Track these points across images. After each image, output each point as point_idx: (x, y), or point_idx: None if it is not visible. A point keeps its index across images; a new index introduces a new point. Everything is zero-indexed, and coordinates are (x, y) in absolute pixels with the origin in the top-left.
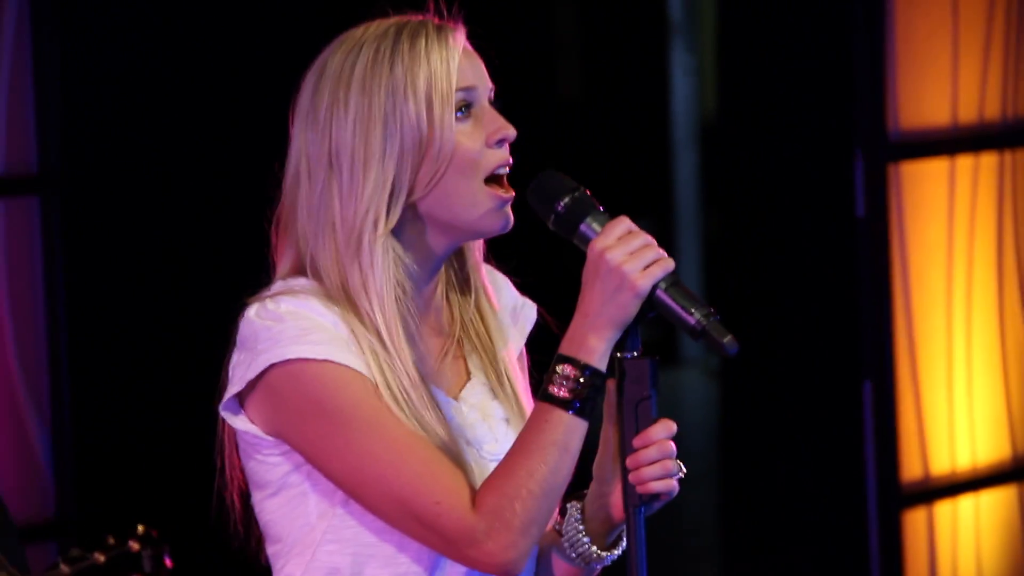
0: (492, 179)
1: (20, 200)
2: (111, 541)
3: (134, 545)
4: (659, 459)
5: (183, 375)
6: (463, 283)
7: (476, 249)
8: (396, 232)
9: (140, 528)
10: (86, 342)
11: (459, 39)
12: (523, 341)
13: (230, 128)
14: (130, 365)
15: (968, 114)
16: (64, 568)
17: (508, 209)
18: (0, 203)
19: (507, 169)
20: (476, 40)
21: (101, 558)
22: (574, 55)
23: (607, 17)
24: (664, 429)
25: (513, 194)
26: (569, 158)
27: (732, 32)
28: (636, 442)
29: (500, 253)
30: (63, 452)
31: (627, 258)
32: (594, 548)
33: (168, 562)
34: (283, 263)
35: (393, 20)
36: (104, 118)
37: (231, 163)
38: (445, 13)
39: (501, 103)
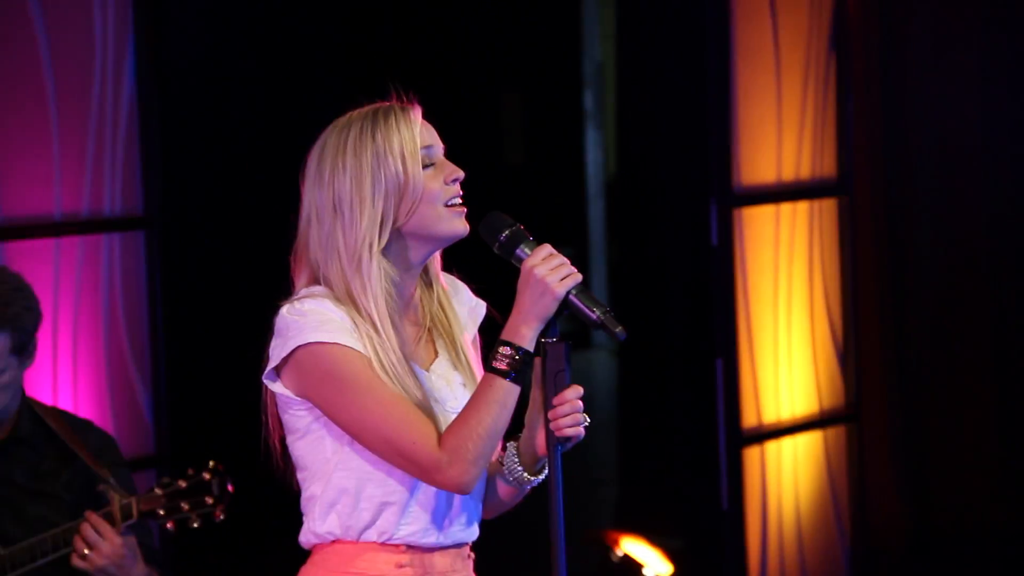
0: (449, 204)
1: (130, 234)
2: (190, 472)
3: (206, 475)
4: (571, 412)
5: (242, 357)
6: (428, 287)
7: (436, 263)
8: (385, 251)
9: (211, 463)
10: (176, 333)
11: (418, 114)
12: (476, 328)
13: (285, 190)
14: (205, 349)
15: (789, 173)
16: (158, 491)
17: (464, 218)
18: (117, 236)
19: (459, 199)
20: (429, 114)
21: (183, 484)
22: (517, 134)
23: (540, 107)
24: (575, 392)
25: (465, 209)
26: (514, 206)
27: (627, 117)
28: (555, 401)
29: (463, 270)
30: (160, 409)
31: (548, 272)
32: (525, 474)
33: (230, 488)
34: (300, 280)
35: (368, 107)
36: (195, 169)
37: (278, 207)
38: (405, 99)
39: (465, 168)
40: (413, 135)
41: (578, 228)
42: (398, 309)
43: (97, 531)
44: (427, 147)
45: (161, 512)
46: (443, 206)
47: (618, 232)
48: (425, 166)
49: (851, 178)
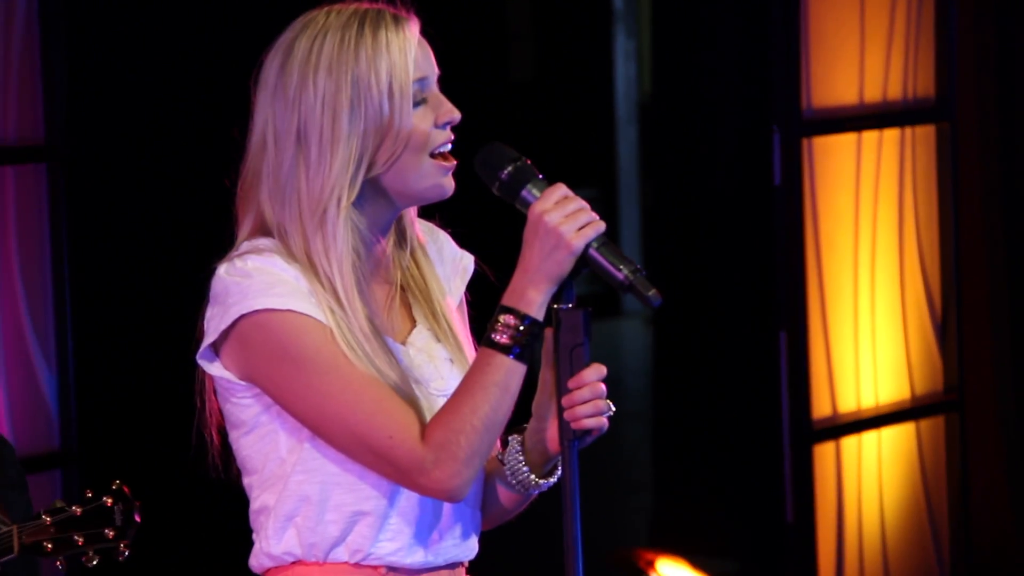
0: (436, 153)
1: (28, 167)
2: (88, 495)
3: (107, 500)
4: (591, 399)
5: (171, 327)
6: (400, 236)
7: (412, 210)
8: (354, 203)
9: (114, 484)
10: (87, 296)
11: (415, 30)
12: (463, 287)
13: (223, 103)
14: (125, 317)
15: (873, 94)
16: (46, 519)
17: (451, 176)
18: (11, 170)
19: (450, 146)
20: (427, 27)
21: (78, 511)
22: (526, 41)
23: (556, 7)
24: (595, 372)
25: (455, 163)
26: (522, 135)
27: (667, 21)
28: (571, 384)
29: (451, 216)
30: (66, 393)
31: (563, 220)
32: (532, 476)
33: (137, 518)
34: (246, 223)
35: (352, 7)
36: (105, 92)
37: (218, 135)
38: (398, 1)
39: (459, 85)
40: (406, 61)
41: (603, 163)
42: (367, 273)
43: None
44: (421, 79)
45: (49, 546)
46: (428, 156)
47: (653, 169)
48: (416, 103)
49: (954, 99)
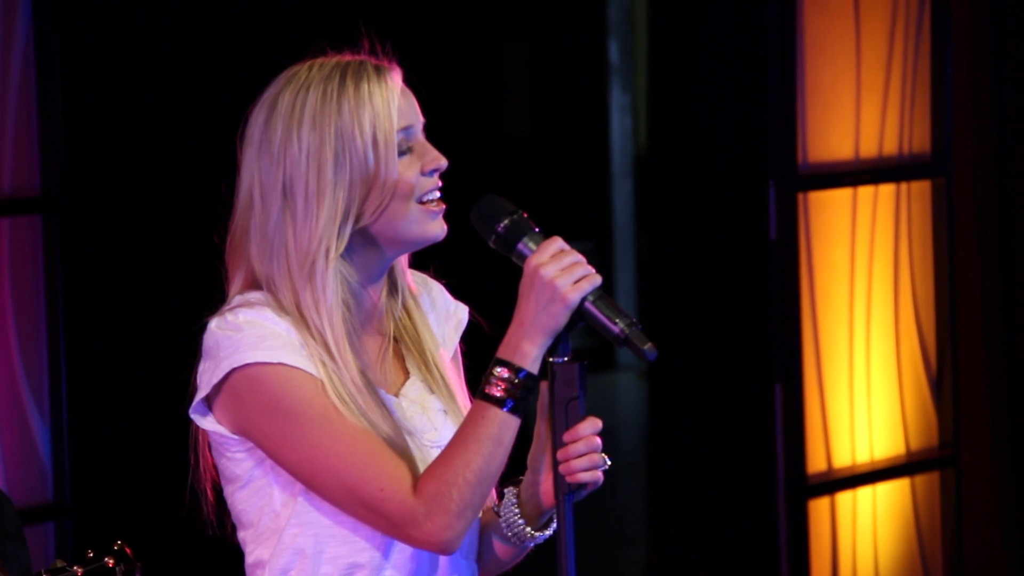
0: (424, 200)
1: (24, 219)
2: (90, 555)
3: (109, 561)
4: (586, 452)
5: (165, 379)
6: (392, 287)
7: (403, 260)
8: (343, 254)
9: (116, 544)
10: (82, 348)
11: (397, 80)
12: (458, 338)
13: (217, 156)
14: (120, 369)
15: (869, 149)
16: None
17: (441, 219)
18: (6, 221)
19: (439, 193)
20: (412, 77)
21: (79, 572)
22: (523, 94)
23: (553, 61)
24: (591, 426)
25: (444, 207)
26: (518, 187)
27: (662, 75)
28: (566, 437)
29: (446, 268)
30: (60, 445)
31: (559, 273)
32: (528, 529)
33: None
34: (236, 278)
35: (334, 60)
36: (101, 145)
37: (212, 189)
38: (379, 51)
39: (456, 137)
40: (389, 111)
41: (599, 216)
42: (359, 325)
43: None
44: (406, 128)
45: None
46: (416, 203)
47: (649, 222)
48: (401, 153)
49: (949, 155)
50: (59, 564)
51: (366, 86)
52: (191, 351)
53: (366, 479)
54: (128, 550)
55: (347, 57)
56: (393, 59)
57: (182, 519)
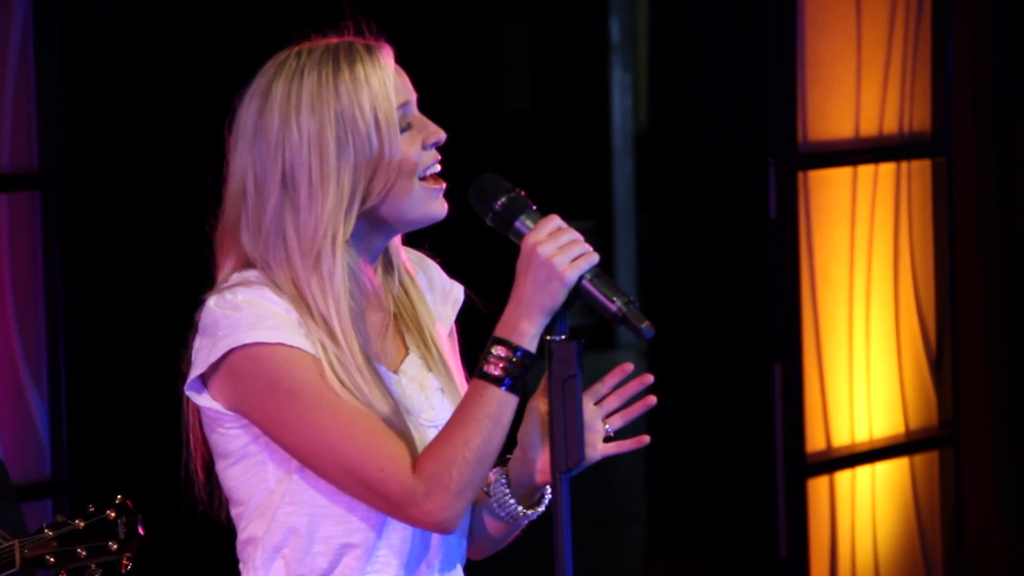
0: (426, 175)
1: (22, 195)
2: (91, 509)
3: (111, 513)
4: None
5: (162, 356)
6: (387, 264)
7: (397, 237)
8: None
9: (117, 498)
10: (80, 324)
11: (389, 58)
12: (454, 316)
13: (217, 133)
14: (117, 346)
15: (869, 128)
16: (48, 533)
17: (442, 198)
18: (5, 197)
19: (439, 167)
20: (400, 53)
21: (81, 524)
22: (523, 72)
23: (553, 39)
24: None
25: (445, 184)
26: (519, 166)
27: (663, 54)
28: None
29: (442, 246)
30: (58, 422)
31: (556, 252)
32: (520, 508)
33: (141, 530)
34: (227, 265)
35: (322, 44)
36: (100, 120)
37: (210, 166)
38: (365, 31)
39: (456, 115)
40: (387, 90)
41: (599, 195)
42: (362, 304)
43: None
44: (403, 105)
45: (51, 559)
46: (418, 180)
47: (649, 201)
48: (401, 130)
49: (950, 134)
50: (60, 519)
51: (361, 67)
52: (188, 328)
53: (366, 459)
54: (129, 503)
55: (334, 40)
56: (380, 37)
57: (177, 495)
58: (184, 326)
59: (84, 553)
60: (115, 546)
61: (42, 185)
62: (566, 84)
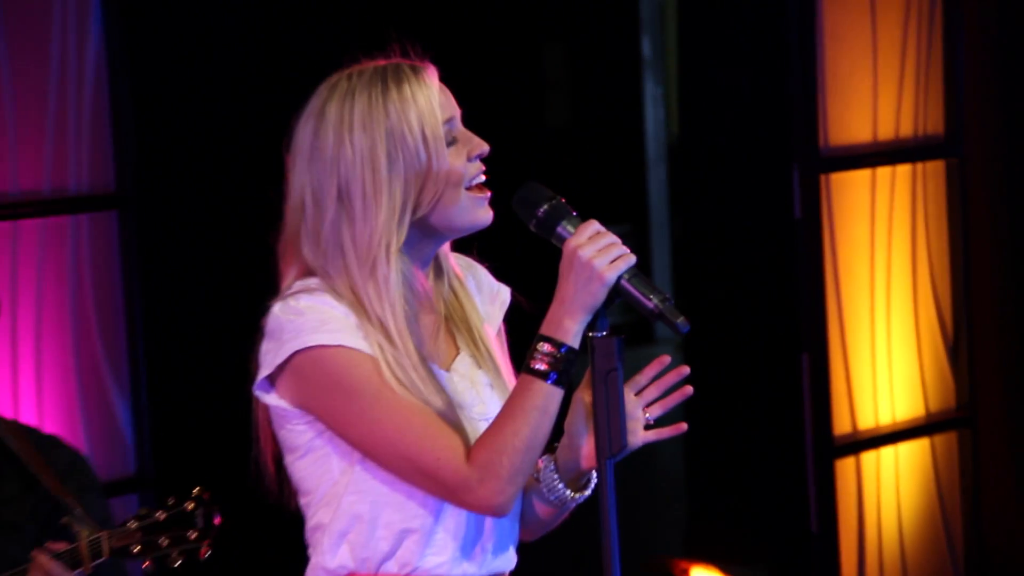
0: (472, 185)
1: (101, 214)
2: (171, 501)
3: (189, 505)
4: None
5: (233, 359)
6: (438, 269)
7: (446, 243)
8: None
9: (195, 490)
10: (158, 331)
11: (433, 76)
12: (501, 317)
13: (276, 149)
14: (192, 350)
15: (886, 132)
16: (133, 524)
17: (488, 206)
18: (85, 217)
19: (484, 177)
20: (452, 68)
21: (162, 516)
22: (562, 89)
23: (588, 57)
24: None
25: (490, 193)
26: (558, 175)
27: (692, 68)
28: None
29: (489, 251)
30: (140, 422)
31: (596, 254)
32: (568, 491)
33: (217, 520)
34: (289, 275)
35: (371, 67)
36: (170, 143)
37: (277, 181)
38: (410, 52)
39: (500, 130)
40: (433, 107)
41: (634, 200)
42: (416, 308)
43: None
44: (448, 120)
45: (136, 549)
46: (465, 190)
47: (682, 205)
48: (447, 143)
49: (962, 136)
50: (143, 511)
51: (407, 87)
52: (256, 333)
53: (423, 450)
54: (206, 495)
55: (381, 62)
56: (425, 58)
57: (251, 488)
58: (252, 330)
59: (166, 543)
60: (194, 535)
61: (119, 204)
62: (602, 99)
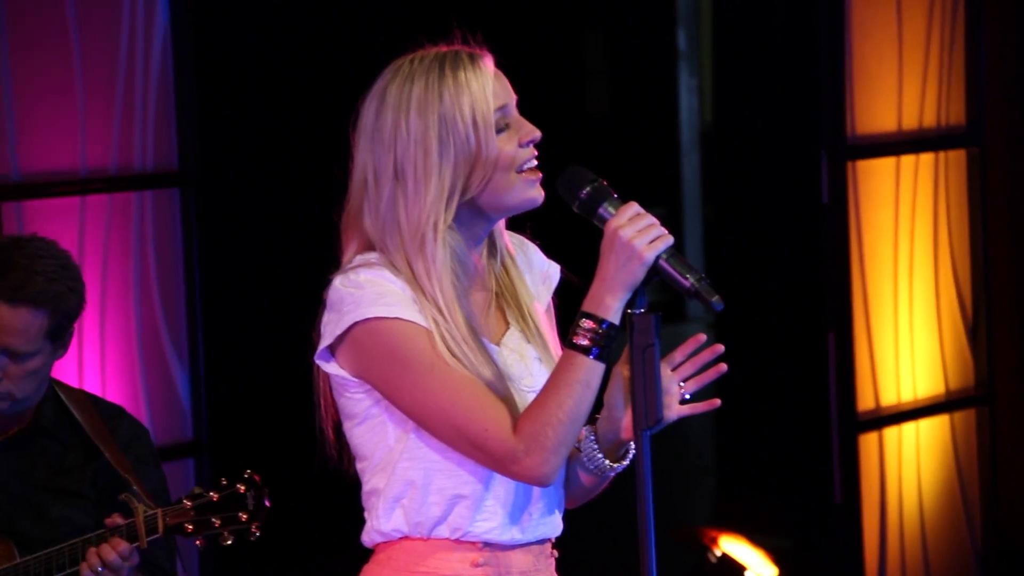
0: (524, 169)
1: (164, 191)
2: (223, 482)
3: (240, 487)
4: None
5: (291, 329)
6: (491, 247)
7: (501, 222)
8: (452, 224)
9: (247, 473)
10: (216, 303)
11: (490, 65)
12: (550, 294)
13: (339, 130)
14: (249, 320)
15: (910, 122)
16: (187, 503)
17: (539, 186)
18: (149, 194)
19: (535, 161)
20: (502, 60)
21: (215, 496)
22: (601, 78)
23: (626, 47)
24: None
25: (541, 175)
26: (597, 161)
27: (725, 59)
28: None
29: (538, 230)
30: (198, 389)
31: (636, 234)
32: (607, 461)
33: (267, 502)
34: (351, 248)
35: (432, 52)
36: (233, 123)
37: (334, 160)
38: (471, 41)
39: (542, 117)
40: (486, 95)
41: (669, 185)
42: (466, 284)
43: (118, 554)
44: (501, 107)
45: (189, 527)
46: (516, 172)
47: (715, 190)
48: (499, 129)
49: (983, 126)
50: (197, 491)
51: (463, 74)
52: (315, 304)
53: (472, 420)
54: (257, 478)
55: (443, 48)
56: (484, 47)
57: (308, 453)
58: (312, 302)
59: (218, 522)
60: (245, 516)
61: (181, 182)
62: (639, 88)
